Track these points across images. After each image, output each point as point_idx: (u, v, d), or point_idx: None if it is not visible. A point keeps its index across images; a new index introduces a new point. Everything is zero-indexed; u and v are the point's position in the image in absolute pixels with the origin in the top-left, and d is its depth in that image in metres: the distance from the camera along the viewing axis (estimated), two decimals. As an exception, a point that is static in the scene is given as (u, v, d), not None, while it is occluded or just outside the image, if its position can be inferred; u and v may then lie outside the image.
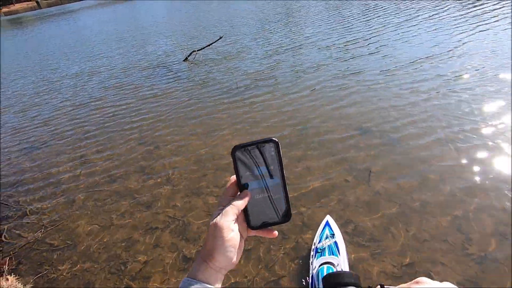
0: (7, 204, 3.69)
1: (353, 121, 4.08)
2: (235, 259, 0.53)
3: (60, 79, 8.92)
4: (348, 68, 5.80)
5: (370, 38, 7.38)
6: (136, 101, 6.16)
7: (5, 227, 3.32)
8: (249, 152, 0.55)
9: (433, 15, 8.34)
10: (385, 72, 5.34)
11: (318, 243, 2.26)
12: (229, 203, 0.54)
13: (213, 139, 4.24)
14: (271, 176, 0.56)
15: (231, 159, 0.56)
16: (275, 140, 0.56)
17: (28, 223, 3.36)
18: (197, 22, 14.99)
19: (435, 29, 7.11)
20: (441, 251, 2.28)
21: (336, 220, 2.54)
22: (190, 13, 19.02)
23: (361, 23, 9.02)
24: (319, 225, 2.52)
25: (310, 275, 2.14)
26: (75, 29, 22.40)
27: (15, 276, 2.65)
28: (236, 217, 0.53)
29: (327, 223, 2.40)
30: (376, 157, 3.34)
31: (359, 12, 10.57)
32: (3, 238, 3.15)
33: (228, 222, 0.52)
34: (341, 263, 2.07)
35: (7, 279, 2.56)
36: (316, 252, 2.19)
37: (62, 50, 13.83)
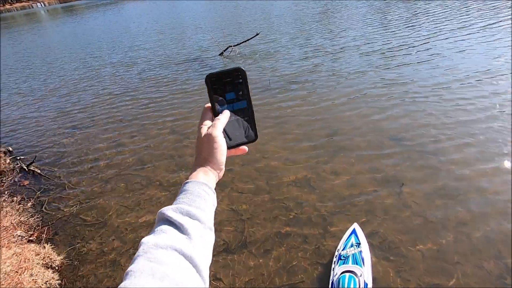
0: (49, 178, 3.99)
1: (390, 131, 3.91)
2: (223, 166, 0.62)
3: (101, 67, 9.45)
4: (392, 77, 5.46)
5: (419, 45, 6.84)
6: (170, 94, 6.36)
7: (46, 199, 3.59)
8: (220, 80, 0.62)
9: (492, 23, 7.59)
10: (433, 84, 4.93)
11: (342, 250, 2.21)
12: (212, 120, 0.62)
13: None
14: (239, 101, 0.63)
15: (206, 87, 0.62)
16: (242, 69, 0.62)
17: (66, 197, 3.61)
18: (235, 18, 15.18)
19: (492, 40, 6.44)
20: (475, 277, 2.14)
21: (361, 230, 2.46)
22: (229, 9, 19.29)
23: (409, 27, 8.47)
24: (343, 232, 2.47)
25: (330, 281, 2.10)
26: (119, 19, 23.60)
27: (51, 245, 2.86)
28: (222, 130, 0.61)
29: (354, 231, 2.33)
30: (410, 170, 3.19)
31: (407, 15, 9.99)
32: (43, 209, 3.41)
33: (218, 131, 0.60)
34: (365, 274, 2.00)
35: (44, 247, 2.77)
36: (339, 259, 2.14)
37: (105, 39, 14.64)
